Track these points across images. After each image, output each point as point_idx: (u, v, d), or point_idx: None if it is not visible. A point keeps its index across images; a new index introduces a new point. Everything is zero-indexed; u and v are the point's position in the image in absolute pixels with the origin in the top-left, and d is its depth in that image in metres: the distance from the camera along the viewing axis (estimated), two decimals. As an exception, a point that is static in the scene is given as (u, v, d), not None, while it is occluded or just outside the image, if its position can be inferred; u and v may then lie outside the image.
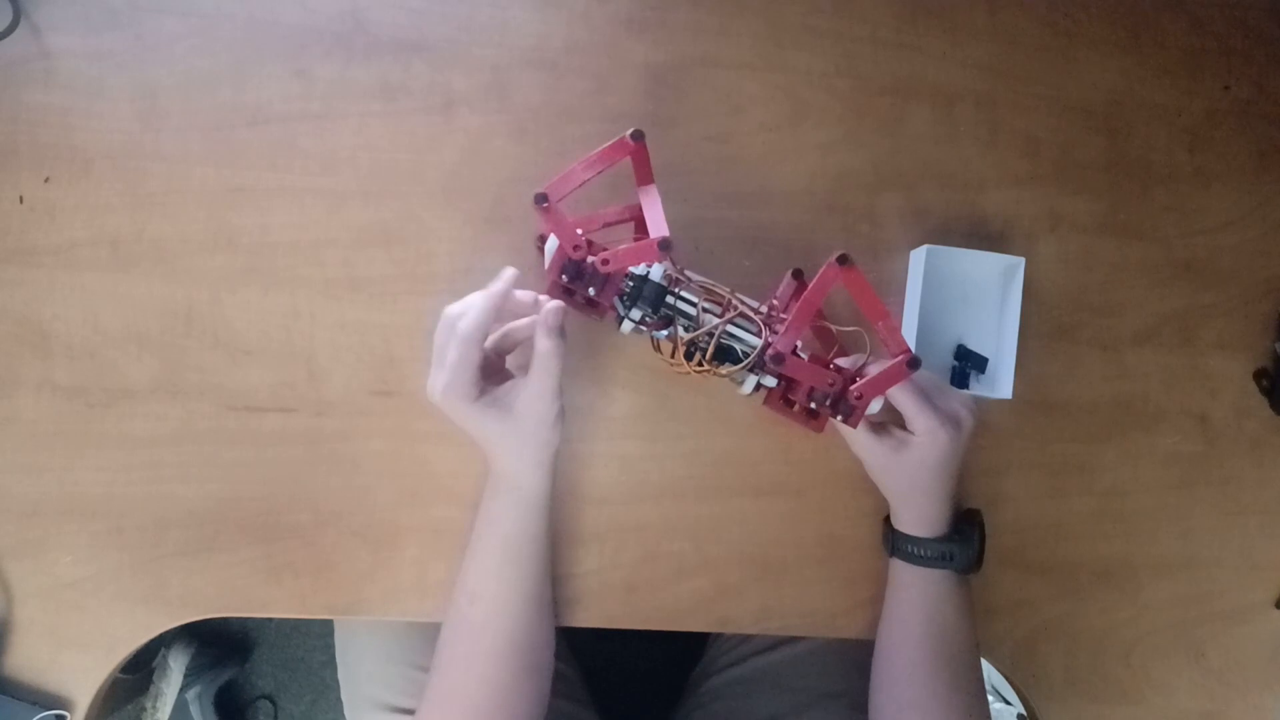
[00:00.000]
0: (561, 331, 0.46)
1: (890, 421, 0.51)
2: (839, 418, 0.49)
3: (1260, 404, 0.59)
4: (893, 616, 0.53)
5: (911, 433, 0.50)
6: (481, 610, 0.49)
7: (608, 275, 0.47)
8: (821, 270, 0.46)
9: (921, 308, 0.54)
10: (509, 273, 0.47)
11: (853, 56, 0.58)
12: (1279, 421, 0.59)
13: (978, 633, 0.53)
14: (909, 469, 0.50)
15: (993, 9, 0.59)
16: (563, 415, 0.49)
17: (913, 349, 0.54)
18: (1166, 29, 0.60)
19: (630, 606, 0.55)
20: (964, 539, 0.52)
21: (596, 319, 0.50)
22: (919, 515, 0.52)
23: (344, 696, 0.65)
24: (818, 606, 0.56)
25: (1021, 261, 0.54)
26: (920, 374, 0.48)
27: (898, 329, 0.47)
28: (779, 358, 0.46)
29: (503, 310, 0.47)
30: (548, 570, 0.52)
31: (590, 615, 0.55)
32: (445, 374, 0.45)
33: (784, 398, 0.52)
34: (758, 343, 0.48)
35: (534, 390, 0.46)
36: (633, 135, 0.46)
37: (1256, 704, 0.59)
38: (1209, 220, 0.60)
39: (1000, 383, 0.55)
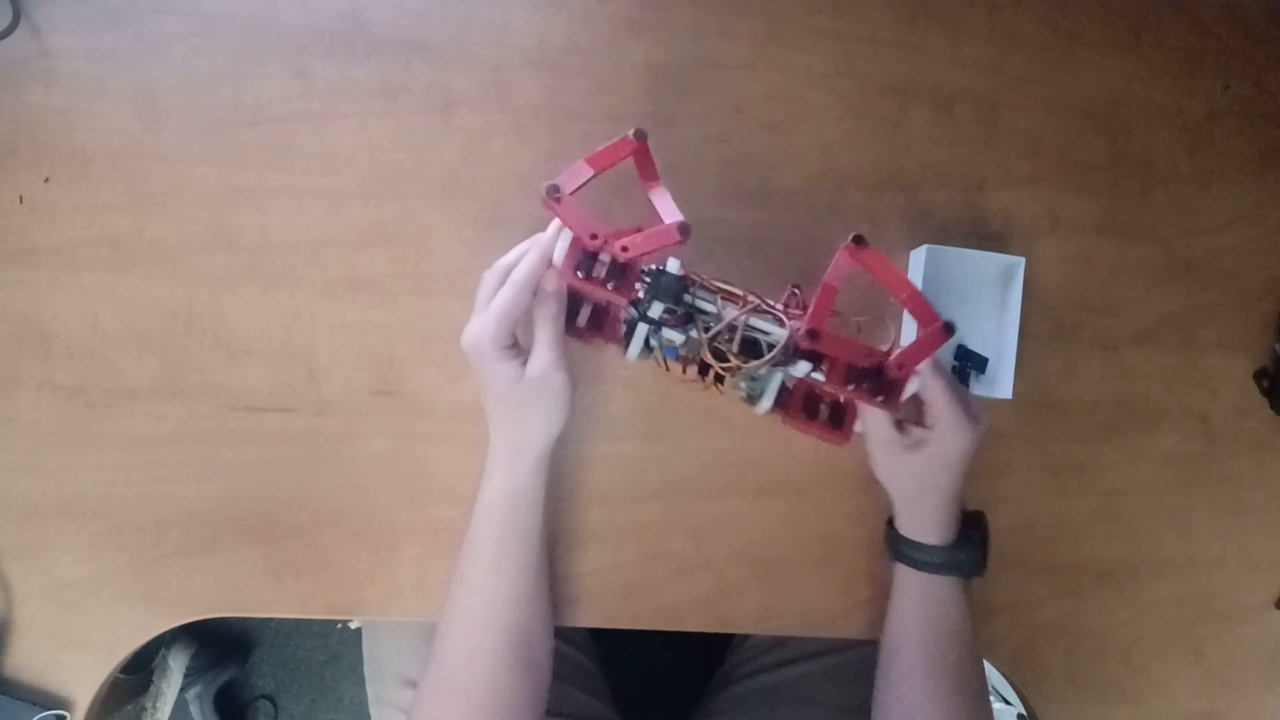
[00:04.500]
0: (561, 295, 0.48)
1: (908, 420, 0.51)
2: (879, 399, 0.47)
3: (1260, 404, 0.59)
4: (896, 620, 0.53)
5: (931, 428, 0.49)
6: (478, 602, 0.49)
7: (626, 264, 0.45)
8: (837, 254, 0.45)
9: (921, 308, 0.54)
10: (555, 224, 0.47)
11: (853, 56, 0.58)
12: (1279, 421, 0.59)
13: (978, 633, 0.53)
14: (923, 467, 0.49)
15: (993, 9, 0.59)
16: (570, 390, 0.49)
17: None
18: (1166, 29, 0.60)
19: (630, 606, 0.55)
20: (970, 544, 0.51)
21: (600, 345, 0.49)
22: (926, 520, 0.51)
23: (367, 671, 0.65)
24: (818, 606, 0.56)
25: (1021, 261, 0.54)
26: (945, 371, 0.47)
27: (924, 299, 0.46)
28: (814, 333, 0.44)
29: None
30: (544, 565, 0.51)
31: (590, 615, 0.55)
32: (489, 317, 0.46)
33: (804, 406, 0.50)
34: (783, 333, 0.46)
35: (539, 361, 0.47)
36: (635, 134, 0.46)
37: (1256, 704, 0.59)
38: (1209, 220, 0.60)
39: (1000, 383, 0.55)
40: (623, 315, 0.49)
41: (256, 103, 0.54)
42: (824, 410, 0.50)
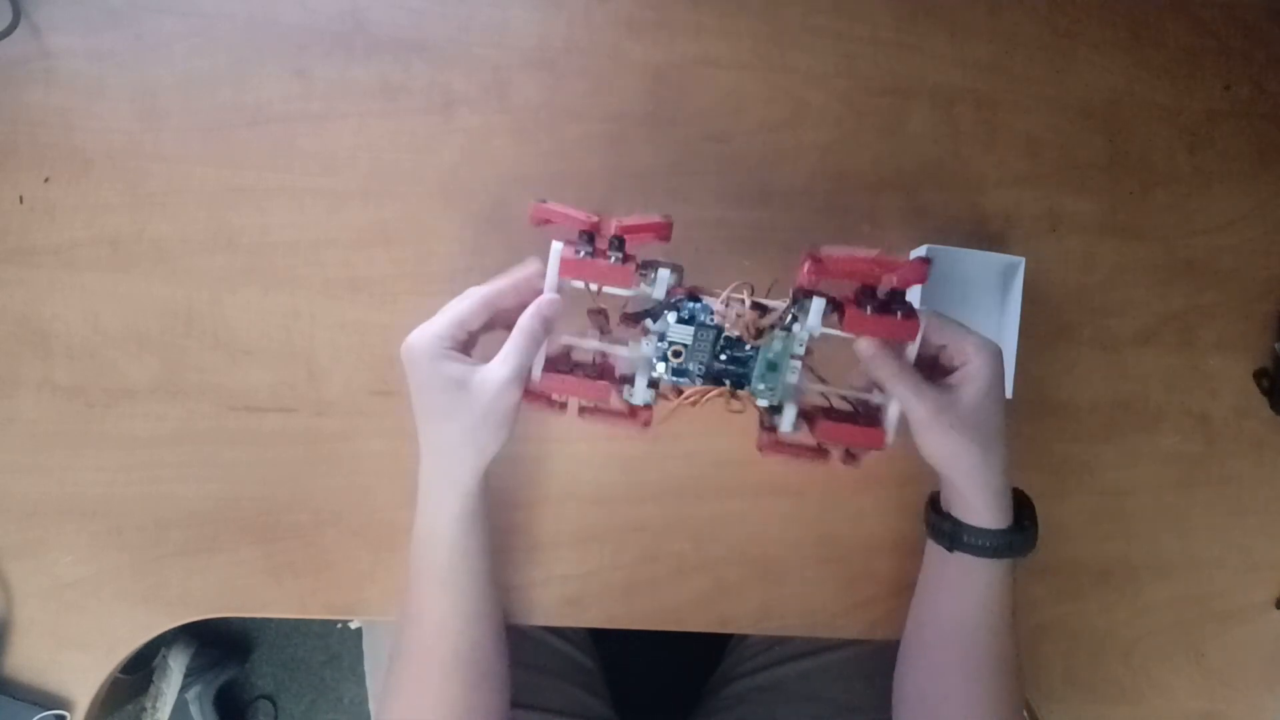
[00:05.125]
0: (548, 324, 0.43)
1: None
2: (899, 314, 0.43)
3: (1260, 404, 0.59)
4: (938, 610, 0.50)
5: (962, 365, 0.45)
6: (424, 631, 0.48)
7: (623, 236, 0.42)
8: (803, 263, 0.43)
9: (922, 308, 0.54)
10: (536, 266, 0.44)
11: (853, 56, 0.58)
12: (1279, 421, 0.59)
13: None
14: (972, 405, 0.44)
15: (993, 9, 0.59)
16: (516, 415, 0.44)
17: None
18: (1166, 29, 0.60)
19: (630, 606, 0.55)
20: (1025, 523, 0.48)
21: (594, 398, 0.45)
22: (993, 493, 0.46)
23: (367, 669, 0.65)
24: (818, 606, 0.56)
25: (1021, 261, 0.54)
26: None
27: (893, 258, 0.42)
28: (815, 256, 0.41)
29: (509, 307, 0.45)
30: (490, 584, 0.49)
31: (590, 615, 0.55)
32: (435, 318, 0.43)
33: (828, 419, 0.46)
34: (779, 304, 0.43)
35: (500, 369, 0.42)
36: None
37: (1256, 704, 0.59)
38: (1209, 220, 0.60)
39: (1000, 383, 0.55)
40: (620, 361, 0.46)
41: (256, 103, 0.54)
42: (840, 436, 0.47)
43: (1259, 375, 0.59)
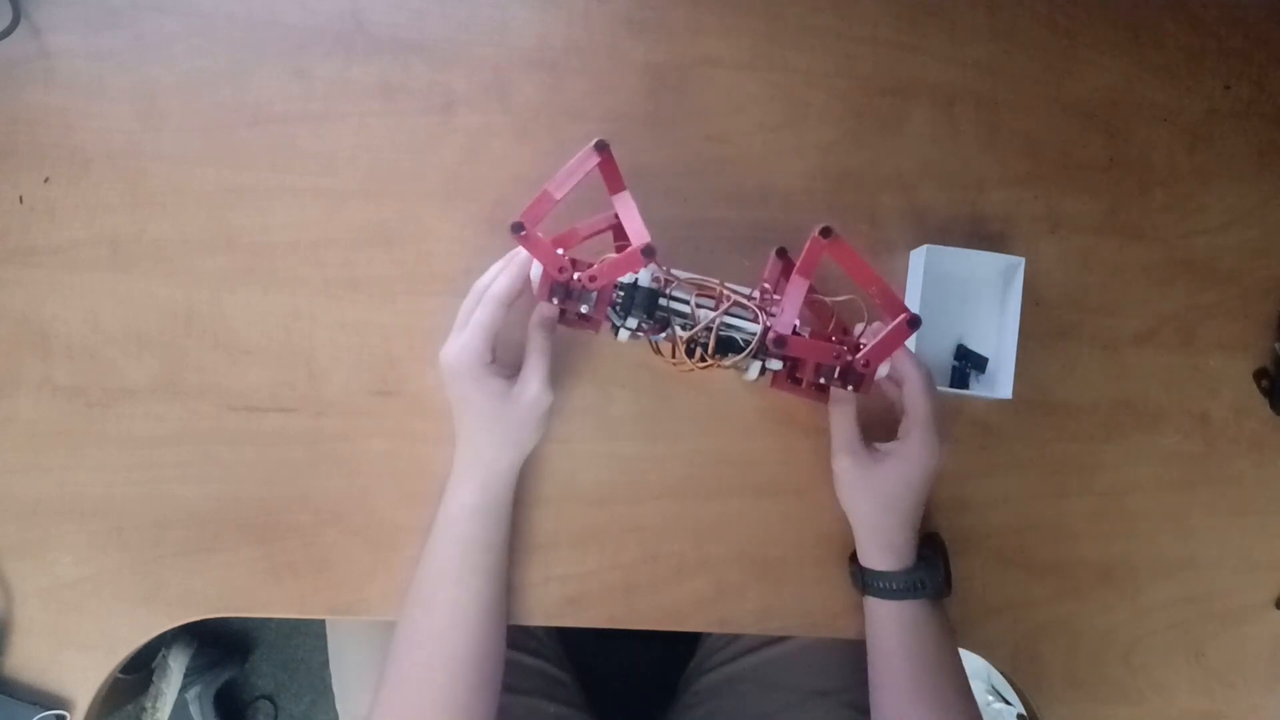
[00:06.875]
0: (552, 326, 0.50)
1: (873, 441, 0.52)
2: (850, 388, 0.49)
3: (1260, 404, 0.59)
4: (877, 652, 0.53)
5: (901, 439, 0.50)
6: (438, 620, 0.49)
7: (597, 290, 0.47)
8: (806, 246, 0.46)
9: (921, 308, 0.54)
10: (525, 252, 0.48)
11: (853, 56, 0.58)
12: (1279, 421, 0.59)
13: (971, 639, 0.53)
14: (885, 482, 0.50)
15: (993, 9, 0.59)
16: (547, 421, 0.51)
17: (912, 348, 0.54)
18: (1166, 29, 0.60)
19: (630, 606, 0.55)
20: (930, 565, 0.51)
21: (593, 332, 0.50)
22: (886, 545, 0.51)
23: (339, 708, 0.65)
24: (818, 606, 0.56)
25: (1021, 261, 0.54)
26: (933, 388, 0.49)
27: (892, 292, 0.46)
28: (780, 340, 0.46)
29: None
30: (504, 583, 0.52)
31: (590, 615, 0.55)
32: (469, 336, 0.48)
33: (791, 377, 0.51)
34: (756, 329, 0.47)
35: (533, 383, 0.49)
36: (597, 146, 0.45)
37: (1256, 704, 0.59)
38: (1209, 220, 0.60)
39: (1000, 383, 0.55)
40: (613, 297, 0.49)
41: (256, 103, 0.54)
42: (810, 376, 0.51)
43: (1259, 375, 0.59)
